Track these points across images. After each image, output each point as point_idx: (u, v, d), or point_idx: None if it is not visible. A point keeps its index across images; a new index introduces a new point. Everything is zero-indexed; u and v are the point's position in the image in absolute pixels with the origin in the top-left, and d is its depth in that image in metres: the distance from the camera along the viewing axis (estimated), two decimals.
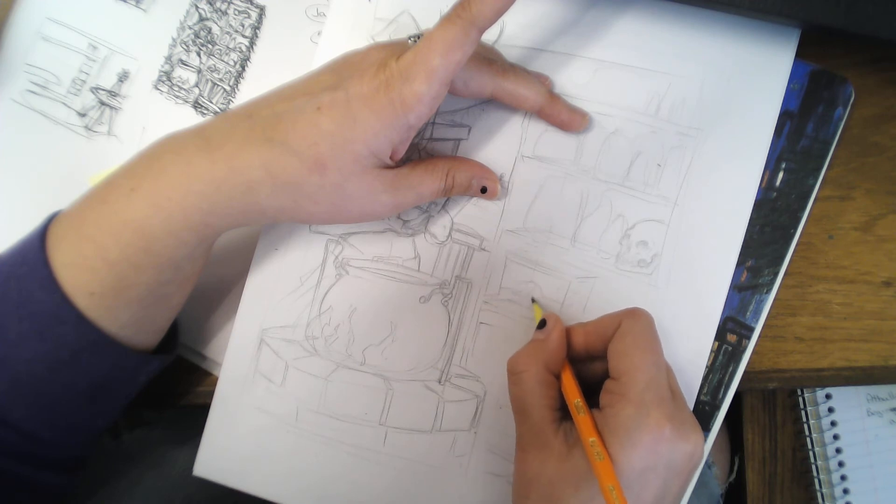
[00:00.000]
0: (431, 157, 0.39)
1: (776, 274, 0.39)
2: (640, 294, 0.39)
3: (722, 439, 0.61)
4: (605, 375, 0.34)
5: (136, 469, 0.48)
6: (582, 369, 0.37)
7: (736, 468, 0.61)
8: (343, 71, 0.34)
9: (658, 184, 0.39)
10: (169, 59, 0.44)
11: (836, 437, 0.60)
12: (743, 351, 0.39)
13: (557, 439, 0.33)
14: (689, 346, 0.38)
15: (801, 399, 0.60)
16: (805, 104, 0.39)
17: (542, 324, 0.36)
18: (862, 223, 0.40)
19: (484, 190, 0.39)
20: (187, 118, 0.44)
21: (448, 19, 0.32)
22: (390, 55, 0.33)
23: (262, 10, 0.44)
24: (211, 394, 0.41)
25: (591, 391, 0.35)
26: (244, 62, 0.44)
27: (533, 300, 0.39)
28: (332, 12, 0.41)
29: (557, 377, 0.35)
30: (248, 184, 0.33)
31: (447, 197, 0.39)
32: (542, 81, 0.39)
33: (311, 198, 0.34)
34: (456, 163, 0.38)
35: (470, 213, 0.40)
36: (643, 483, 0.31)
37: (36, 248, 0.32)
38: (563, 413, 0.35)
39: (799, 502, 0.61)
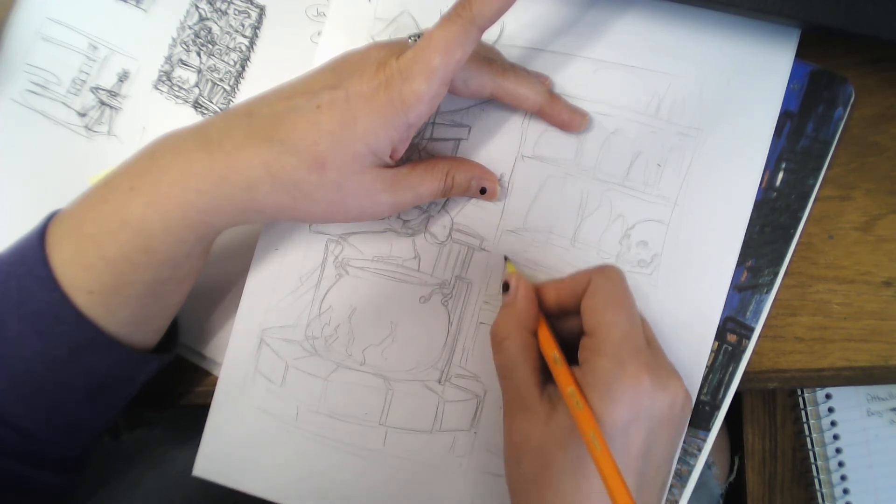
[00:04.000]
0: (431, 158, 0.39)
1: (776, 274, 0.39)
2: (641, 294, 0.39)
3: (722, 439, 0.61)
4: (582, 331, 0.35)
5: (136, 469, 0.48)
6: (558, 325, 0.37)
7: (736, 468, 0.61)
8: (343, 70, 0.34)
9: (658, 184, 0.39)
10: (169, 58, 0.44)
11: (836, 437, 0.60)
12: (743, 351, 0.39)
13: (542, 401, 0.33)
14: (689, 346, 0.38)
15: (801, 399, 0.60)
16: (805, 104, 0.39)
17: (506, 287, 0.36)
18: (862, 223, 0.40)
19: (483, 191, 0.39)
20: (187, 118, 0.44)
21: (448, 18, 0.32)
22: (390, 54, 0.33)
23: (262, 10, 0.44)
24: (211, 394, 0.41)
25: (571, 348, 0.35)
26: (244, 62, 0.44)
27: (506, 258, 0.39)
28: (331, 12, 0.41)
29: (533, 335, 0.36)
30: (248, 182, 0.33)
31: (446, 197, 0.39)
32: (542, 81, 0.39)
33: (310, 196, 0.34)
34: (456, 163, 0.38)
35: (470, 213, 0.40)
36: (627, 435, 0.31)
37: (35, 246, 0.32)
38: (547, 376, 0.35)
39: (799, 502, 0.61)
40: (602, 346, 0.32)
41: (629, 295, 0.34)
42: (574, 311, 0.36)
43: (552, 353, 0.34)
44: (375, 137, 0.33)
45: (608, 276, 0.34)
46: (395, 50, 0.33)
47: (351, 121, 0.32)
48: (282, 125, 0.33)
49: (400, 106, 0.32)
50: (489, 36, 0.40)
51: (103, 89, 0.44)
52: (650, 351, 0.33)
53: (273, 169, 0.32)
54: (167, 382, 0.42)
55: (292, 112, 0.33)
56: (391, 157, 0.35)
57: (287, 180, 0.33)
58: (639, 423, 0.31)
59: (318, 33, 0.43)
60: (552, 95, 0.38)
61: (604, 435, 0.30)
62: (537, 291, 0.36)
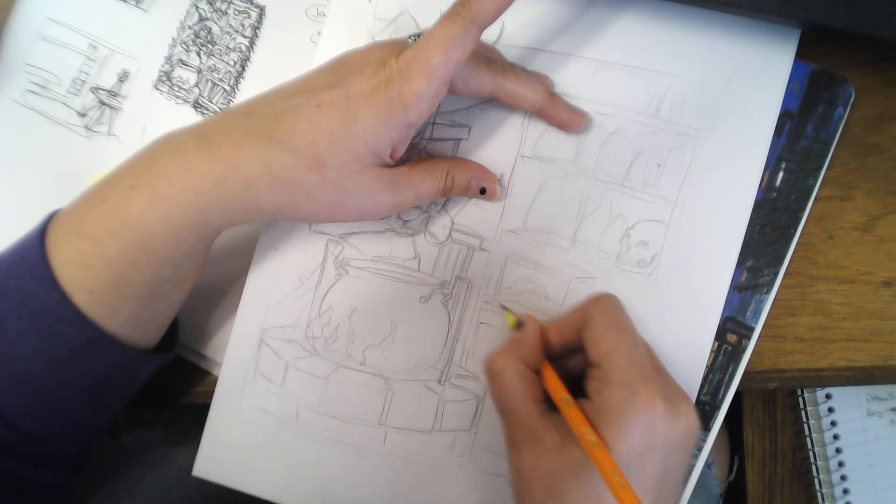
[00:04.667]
0: (431, 158, 0.39)
1: (776, 274, 0.39)
2: (640, 294, 0.39)
3: (722, 439, 0.61)
4: (587, 366, 0.34)
5: (135, 469, 0.48)
6: (564, 365, 0.37)
7: (735, 468, 0.61)
8: (343, 69, 0.34)
9: (658, 184, 0.39)
10: (169, 59, 0.44)
11: (836, 437, 0.60)
12: (743, 351, 0.39)
13: (549, 432, 0.33)
14: (689, 346, 0.38)
15: (801, 399, 0.60)
16: (805, 104, 0.39)
17: (520, 325, 0.36)
18: (862, 223, 0.40)
19: (483, 191, 0.39)
20: (187, 118, 0.44)
21: (448, 17, 0.32)
22: (390, 54, 0.33)
23: (262, 10, 0.44)
24: (211, 394, 0.41)
25: (576, 384, 0.35)
26: (244, 62, 0.44)
27: (503, 307, 0.39)
28: (331, 12, 0.41)
29: (537, 373, 0.35)
30: (247, 181, 0.33)
31: (446, 197, 0.39)
32: (542, 81, 0.39)
33: (309, 196, 0.34)
34: (456, 163, 0.38)
35: (470, 213, 0.40)
36: (643, 464, 0.31)
37: (35, 246, 0.32)
38: (549, 405, 0.35)
39: (799, 502, 0.61)
40: (610, 375, 0.32)
41: (628, 320, 0.34)
42: (578, 346, 0.35)
43: (561, 394, 0.33)
44: (375, 137, 0.33)
45: (604, 305, 0.34)
46: (394, 49, 0.33)
47: (351, 120, 0.32)
48: (281, 124, 0.33)
49: (399, 105, 0.32)
50: (489, 36, 0.40)
51: (103, 89, 0.44)
52: (659, 375, 0.33)
53: (273, 168, 0.32)
54: (167, 382, 0.42)
55: (292, 111, 0.33)
56: (391, 156, 0.35)
57: (287, 179, 0.33)
58: (655, 450, 0.31)
59: (318, 33, 0.43)
60: (552, 95, 0.38)
61: (619, 465, 0.30)
62: (543, 332, 0.36)
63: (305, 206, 0.34)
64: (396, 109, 0.32)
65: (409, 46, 0.33)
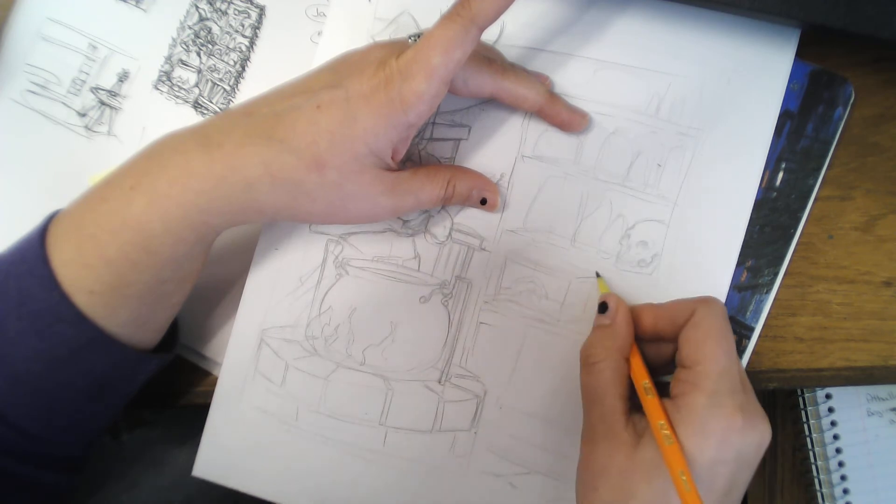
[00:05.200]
0: (434, 164, 0.39)
1: (776, 274, 0.39)
2: (640, 294, 0.39)
3: None
4: (671, 358, 0.34)
5: (135, 469, 0.48)
6: (647, 350, 0.36)
7: None
8: (343, 70, 0.34)
9: (658, 184, 0.39)
10: (169, 59, 0.44)
11: (836, 437, 0.59)
12: (743, 351, 0.39)
13: (627, 430, 0.33)
14: None
15: (801, 399, 0.60)
16: (805, 104, 0.39)
17: (604, 307, 0.35)
18: (862, 223, 0.40)
19: (484, 202, 0.39)
20: (187, 118, 0.44)
21: (448, 17, 0.32)
22: (390, 54, 0.33)
23: (262, 10, 0.44)
24: (211, 394, 0.41)
25: (657, 373, 0.35)
26: (244, 62, 0.44)
27: (597, 274, 0.38)
28: (331, 12, 0.41)
29: (627, 360, 0.35)
30: (247, 181, 0.33)
31: (446, 205, 0.39)
32: (542, 81, 0.39)
33: (309, 196, 0.34)
34: (458, 172, 0.38)
35: (470, 213, 0.40)
36: (713, 474, 0.31)
37: (35, 246, 0.32)
38: (633, 404, 0.34)
39: (799, 502, 0.61)
40: (700, 381, 0.32)
41: (731, 331, 0.34)
42: (669, 338, 0.35)
43: (643, 381, 0.33)
44: (375, 137, 0.33)
45: (714, 310, 0.33)
46: (395, 49, 0.33)
47: (351, 120, 0.32)
48: (281, 124, 0.33)
49: (400, 105, 0.32)
50: (489, 36, 0.40)
51: (103, 89, 0.44)
52: (744, 392, 0.32)
53: (272, 168, 0.32)
54: (167, 382, 0.42)
55: (292, 111, 0.33)
56: (392, 158, 0.35)
57: (286, 180, 0.33)
58: (726, 464, 0.31)
59: (319, 33, 0.43)
60: (552, 95, 0.38)
61: (691, 472, 0.30)
62: (633, 314, 0.36)
63: (305, 207, 0.34)
64: (396, 109, 0.32)
65: (409, 47, 0.33)
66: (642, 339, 0.36)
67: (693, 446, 0.30)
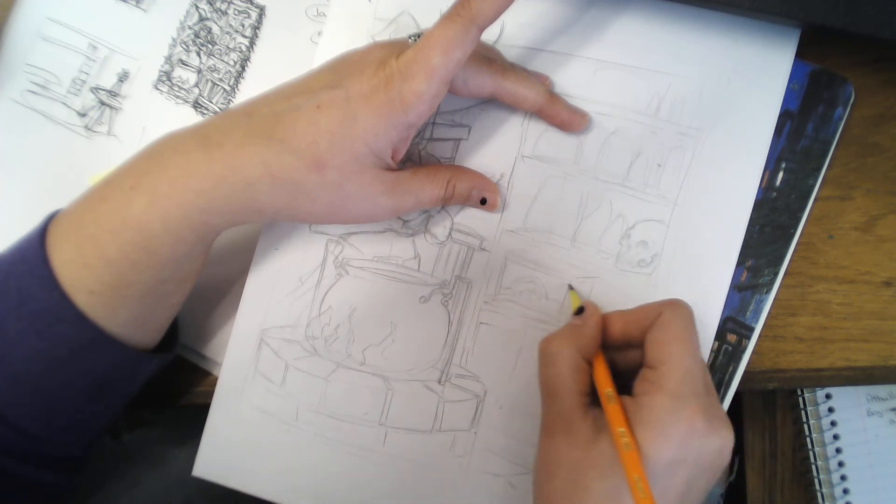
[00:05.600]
0: (434, 165, 0.39)
1: (776, 274, 0.39)
2: (641, 294, 0.39)
3: None
4: (639, 364, 0.34)
5: (135, 469, 0.48)
6: (616, 357, 0.36)
7: (736, 468, 0.61)
8: (343, 70, 0.34)
9: (658, 184, 0.39)
10: (169, 58, 0.44)
11: (836, 437, 0.59)
12: (743, 351, 0.39)
13: (586, 424, 0.33)
14: None
15: (801, 399, 0.60)
16: (805, 104, 0.39)
17: (580, 311, 0.36)
18: (862, 223, 0.40)
19: (484, 201, 0.39)
20: (187, 118, 0.44)
21: (448, 17, 0.32)
22: (390, 54, 0.33)
23: (262, 10, 0.44)
24: (211, 394, 0.41)
25: (623, 378, 0.35)
26: (244, 62, 0.44)
27: (570, 287, 0.39)
28: (331, 12, 0.41)
29: (589, 363, 0.35)
30: (247, 181, 0.33)
31: (446, 205, 0.39)
32: (542, 81, 0.39)
33: (309, 196, 0.34)
34: (458, 172, 0.38)
35: (470, 213, 0.40)
36: (670, 475, 0.31)
37: (35, 246, 0.32)
38: (593, 398, 0.34)
39: (799, 502, 0.61)
40: (663, 381, 0.32)
41: (696, 334, 0.34)
42: (637, 343, 0.35)
43: (606, 389, 0.33)
44: (375, 137, 0.33)
45: (680, 312, 0.34)
46: (394, 49, 0.33)
47: (351, 120, 0.32)
48: (281, 124, 0.33)
49: (400, 105, 0.32)
50: (489, 35, 0.40)
51: (103, 89, 0.44)
52: (707, 395, 0.32)
53: (273, 168, 0.32)
54: (167, 382, 0.42)
55: (292, 111, 0.33)
56: (392, 158, 0.35)
57: (287, 179, 0.33)
58: (685, 465, 0.31)
59: (319, 33, 0.43)
60: (552, 95, 0.38)
61: (647, 472, 0.30)
62: (604, 321, 0.36)
63: (305, 207, 0.34)
64: (396, 109, 0.32)
65: (409, 46, 0.33)
66: (611, 346, 0.36)
67: (652, 447, 0.30)
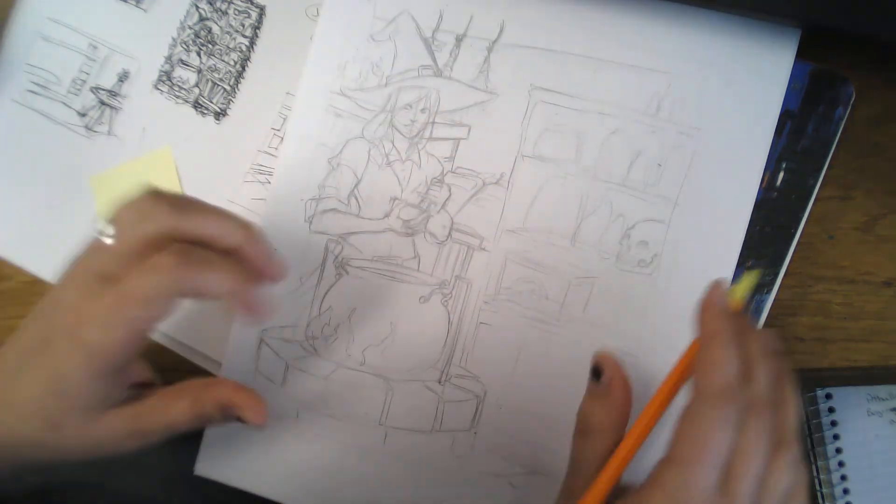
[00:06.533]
0: (179, 384, 0.36)
1: (776, 274, 0.39)
2: (641, 294, 0.39)
3: None
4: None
5: (135, 468, 0.48)
6: None
7: None
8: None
9: (658, 184, 0.39)
10: (169, 58, 0.44)
11: (836, 437, 0.59)
12: None
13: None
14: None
15: (801, 399, 0.60)
16: (806, 104, 0.39)
17: (597, 373, 0.33)
18: (862, 223, 0.40)
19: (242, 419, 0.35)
20: (187, 118, 0.44)
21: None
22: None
23: (262, 10, 0.44)
24: None
25: None
26: (244, 62, 0.44)
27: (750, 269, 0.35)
28: (325, 8, 0.41)
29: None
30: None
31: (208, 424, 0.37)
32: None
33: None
34: (207, 387, 0.35)
35: (470, 212, 0.40)
36: None
37: None
38: None
39: None
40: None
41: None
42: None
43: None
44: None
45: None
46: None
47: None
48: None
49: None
50: (489, 35, 0.40)
51: (103, 89, 0.44)
52: None
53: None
54: (167, 382, 0.42)
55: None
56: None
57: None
58: None
59: None
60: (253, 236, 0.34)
61: None
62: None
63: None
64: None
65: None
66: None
67: None
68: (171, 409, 0.34)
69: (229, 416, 0.35)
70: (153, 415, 0.34)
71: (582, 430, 0.33)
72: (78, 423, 0.32)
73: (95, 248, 0.32)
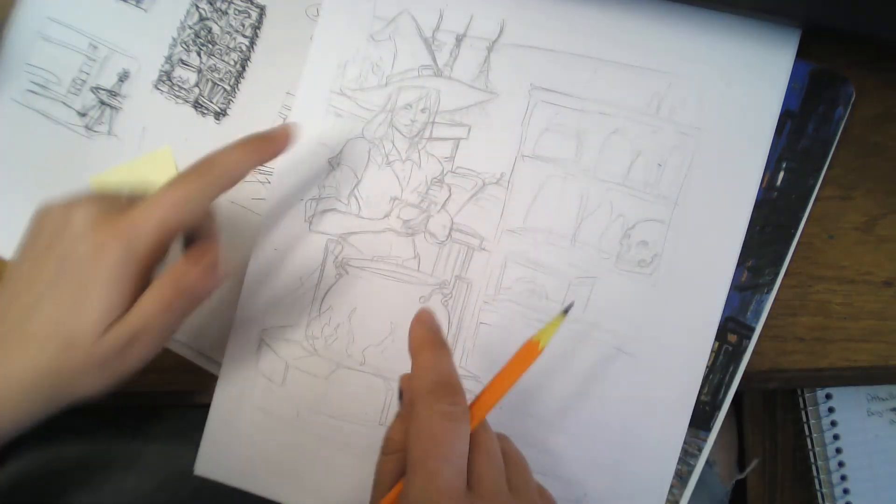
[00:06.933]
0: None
1: (776, 274, 0.39)
2: (640, 294, 0.39)
3: (728, 437, 0.61)
4: None
5: (135, 468, 0.48)
6: None
7: (753, 466, 0.60)
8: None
9: (658, 184, 0.39)
10: (169, 58, 0.44)
11: (836, 437, 0.59)
12: (743, 351, 0.39)
13: None
14: (689, 346, 0.38)
15: (801, 399, 0.60)
16: (806, 104, 0.39)
17: (402, 395, 0.33)
18: (862, 223, 0.40)
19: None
20: (187, 118, 0.44)
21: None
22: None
23: (262, 10, 0.44)
24: (211, 394, 0.41)
25: None
26: (244, 62, 0.44)
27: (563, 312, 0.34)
28: (325, 8, 0.41)
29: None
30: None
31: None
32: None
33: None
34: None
35: (470, 212, 0.40)
36: None
37: None
38: None
39: (799, 502, 0.61)
40: None
41: None
42: None
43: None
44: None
45: None
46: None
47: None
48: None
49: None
50: (489, 35, 0.40)
51: (103, 89, 0.44)
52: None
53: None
54: (168, 382, 0.42)
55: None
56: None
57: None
58: None
59: None
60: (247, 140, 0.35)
61: None
62: None
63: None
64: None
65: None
66: None
67: None
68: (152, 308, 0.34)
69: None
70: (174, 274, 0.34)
71: (382, 448, 0.33)
72: (95, 337, 0.32)
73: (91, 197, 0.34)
